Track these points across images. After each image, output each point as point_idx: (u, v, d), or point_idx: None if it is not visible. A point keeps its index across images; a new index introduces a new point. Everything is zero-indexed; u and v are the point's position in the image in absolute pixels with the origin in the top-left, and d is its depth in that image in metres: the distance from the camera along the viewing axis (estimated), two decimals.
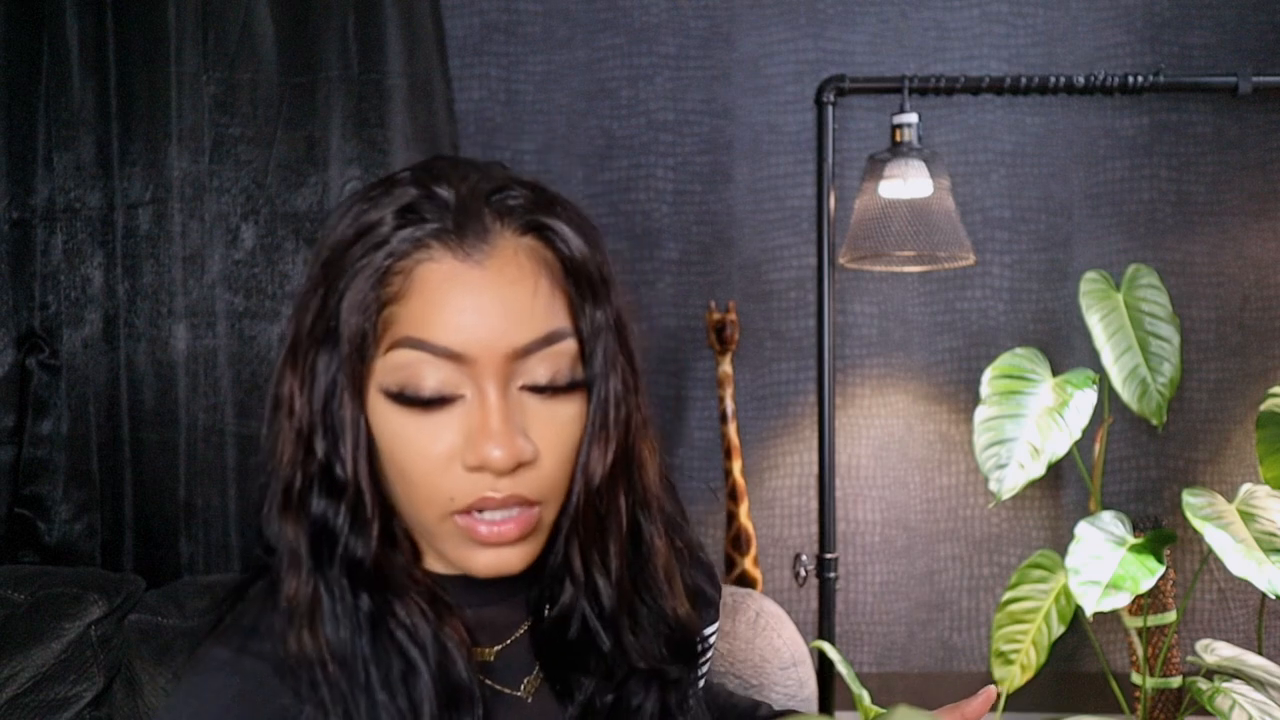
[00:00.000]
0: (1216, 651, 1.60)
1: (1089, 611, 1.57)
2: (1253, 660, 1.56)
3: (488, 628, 0.71)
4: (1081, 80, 1.80)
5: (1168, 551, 1.72)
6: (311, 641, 0.63)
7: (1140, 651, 1.79)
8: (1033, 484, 1.77)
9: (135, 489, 1.58)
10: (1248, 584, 1.52)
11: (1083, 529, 1.67)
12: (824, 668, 1.77)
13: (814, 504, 1.92)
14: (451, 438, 0.63)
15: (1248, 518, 1.57)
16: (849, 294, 1.97)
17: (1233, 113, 1.93)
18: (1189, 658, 1.64)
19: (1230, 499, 1.63)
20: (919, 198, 1.72)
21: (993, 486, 1.72)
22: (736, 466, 1.80)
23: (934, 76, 1.79)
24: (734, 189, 1.96)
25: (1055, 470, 1.87)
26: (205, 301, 1.59)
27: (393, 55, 1.64)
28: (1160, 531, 1.71)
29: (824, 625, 1.85)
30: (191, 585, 1.36)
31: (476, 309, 0.62)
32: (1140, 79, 1.79)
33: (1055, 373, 1.80)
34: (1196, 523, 1.55)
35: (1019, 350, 1.80)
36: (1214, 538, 1.52)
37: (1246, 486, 1.64)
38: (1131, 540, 1.68)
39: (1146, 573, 1.59)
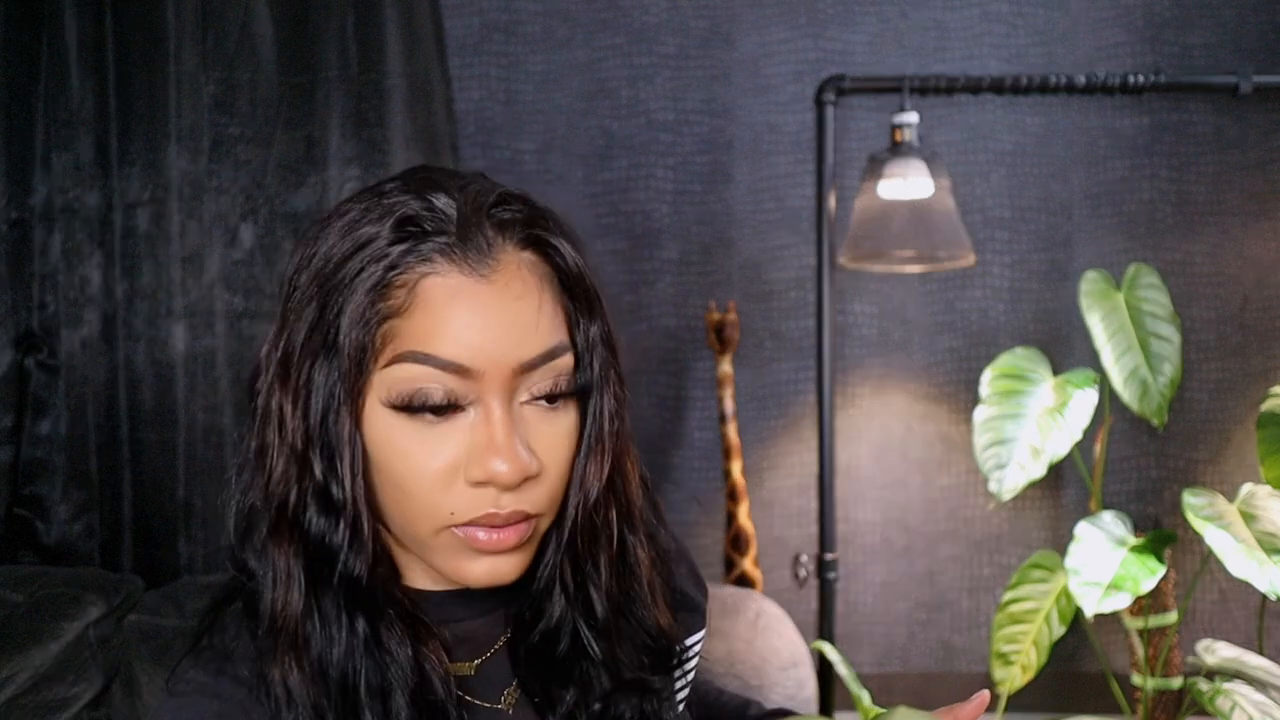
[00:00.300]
0: (1217, 652, 1.60)
1: (1089, 613, 1.57)
2: (1253, 661, 1.56)
3: (467, 642, 0.71)
4: (1082, 80, 1.79)
5: (1168, 552, 1.71)
6: (298, 663, 0.63)
7: (1141, 652, 1.79)
8: (1033, 484, 1.77)
9: (134, 489, 1.58)
10: (1248, 585, 1.52)
11: (1083, 529, 1.67)
12: (824, 668, 1.77)
13: (814, 504, 1.92)
14: (453, 451, 0.63)
15: (1248, 518, 1.57)
16: (849, 294, 1.97)
17: (1233, 112, 1.93)
18: (1189, 658, 1.64)
19: (1231, 499, 1.63)
20: (919, 198, 1.72)
21: (993, 487, 1.71)
22: (736, 467, 1.80)
23: (934, 76, 1.79)
24: (734, 189, 1.96)
25: (1055, 470, 1.87)
26: (204, 301, 1.59)
27: (392, 55, 1.64)
28: (1161, 532, 1.71)
29: (824, 626, 1.85)
30: (190, 585, 1.36)
31: (484, 324, 0.62)
32: (1140, 79, 1.79)
33: (1055, 373, 1.79)
34: (1197, 523, 1.55)
35: (1019, 350, 1.80)
36: (1215, 538, 1.52)
37: (1247, 487, 1.63)
38: (1132, 541, 1.68)
39: (1147, 573, 1.59)
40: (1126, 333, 1.75)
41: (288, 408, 0.64)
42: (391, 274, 0.62)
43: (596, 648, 0.69)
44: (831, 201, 1.83)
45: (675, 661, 0.75)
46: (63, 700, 1.16)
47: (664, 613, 0.73)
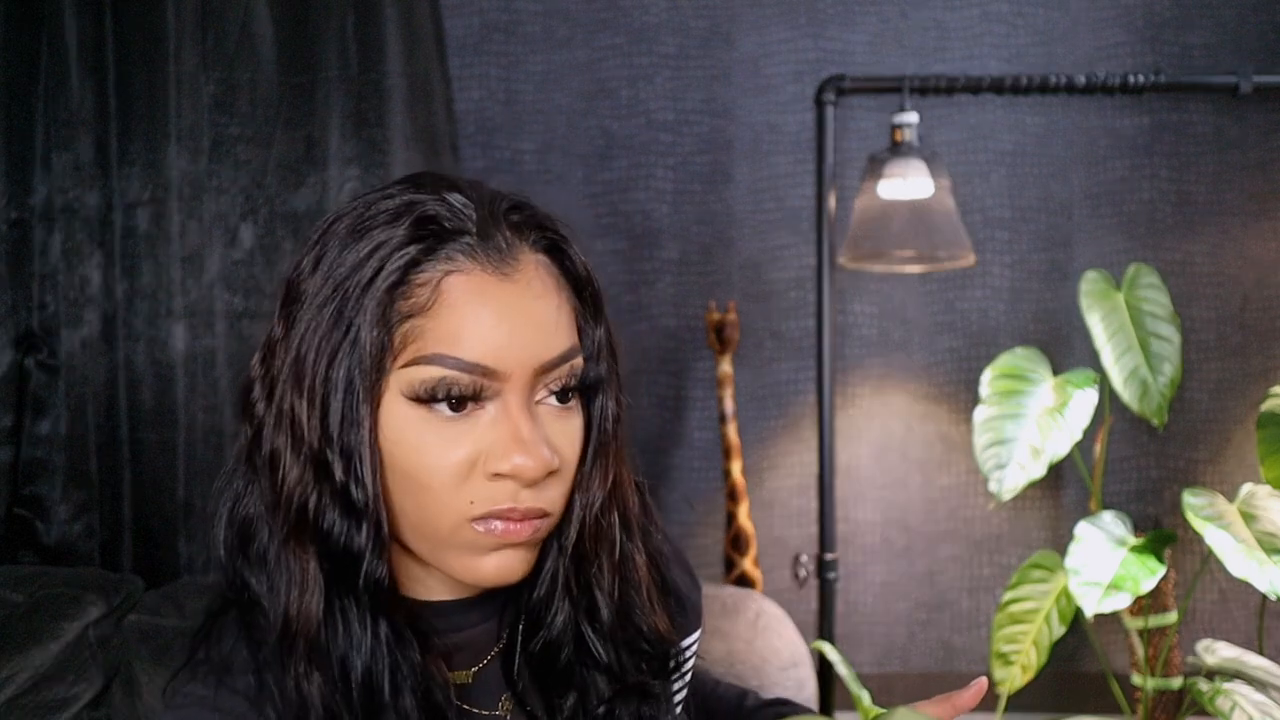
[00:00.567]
0: (1217, 652, 1.60)
1: (1089, 613, 1.57)
2: (1253, 661, 1.56)
3: (465, 650, 0.71)
4: (1082, 80, 1.79)
5: (1168, 552, 1.71)
6: (318, 668, 0.62)
7: (1141, 652, 1.79)
8: (1033, 484, 1.77)
9: (134, 489, 1.57)
10: (1248, 585, 1.52)
11: (1083, 529, 1.67)
12: (824, 668, 1.77)
13: (814, 504, 1.92)
14: (471, 444, 0.63)
15: (1249, 518, 1.57)
16: (849, 294, 1.96)
17: (1233, 112, 1.93)
18: (1189, 658, 1.64)
19: (1231, 499, 1.63)
20: (919, 198, 1.72)
21: (993, 487, 1.71)
22: (736, 467, 1.80)
23: (934, 76, 1.79)
24: (734, 189, 1.96)
25: (1055, 470, 1.87)
26: (204, 301, 1.59)
27: (392, 55, 1.64)
28: (1161, 532, 1.71)
29: (824, 626, 1.85)
30: (190, 585, 1.36)
31: (510, 324, 0.62)
32: (1140, 79, 1.79)
33: (1055, 373, 1.79)
34: (1197, 523, 1.55)
35: (1019, 350, 1.80)
36: (1215, 538, 1.52)
37: (1247, 487, 1.63)
38: (1132, 541, 1.68)
39: (1147, 573, 1.59)
40: (1126, 333, 1.75)
41: (302, 410, 0.63)
42: (413, 272, 0.62)
43: (601, 651, 0.69)
44: (831, 201, 1.83)
45: (673, 665, 0.75)
46: (63, 700, 1.16)
47: (661, 617, 0.73)
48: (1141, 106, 1.94)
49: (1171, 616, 1.81)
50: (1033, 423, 1.73)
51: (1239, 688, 1.49)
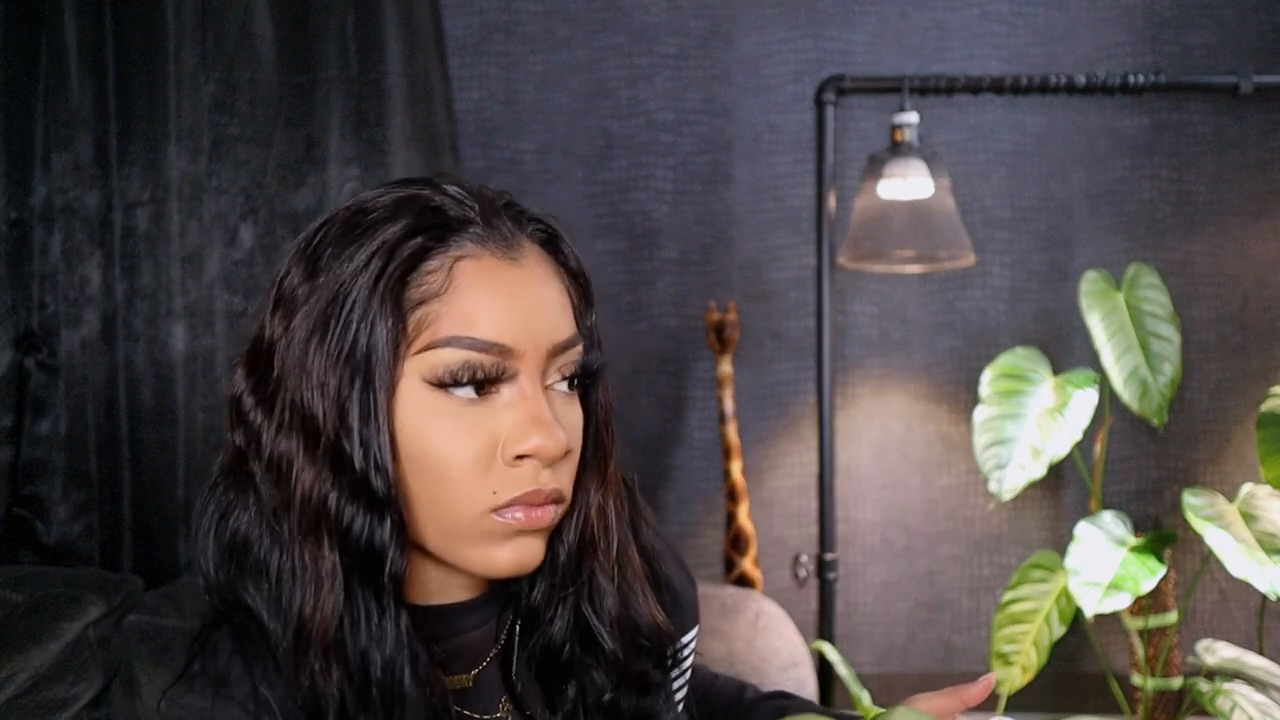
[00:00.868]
0: (1217, 652, 1.60)
1: (1089, 613, 1.57)
2: (1253, 661, 1.56)
3: (465, 653, 0.71)
4: (1082, 80, 1.79)
5: (1168, 552, 1.71)
6: (338, 662, 0.62)
7: (1141, 652, 1.79)
8: (1033, 484, 1.77)
9: (134, 489, 1.57)
10: (1248, 585, 1.52)
11: (1083, 529, 1.67)
12: (824, 668, 1.77)
13: (814, 504, 1.92)
14: (490, 431, 0.63)
15: (1249, 518, 1.57)
16: (849, 294, 1.96)
17: (1233, 112, 1.93)
18: (1189, 658, 1.64)
19: (1231, 499, 1.63)
20: (919, 198, 1.72)
21: (993, 487, 1.71)
22: (736, 467, 1.79)
23: (934, 76, 1.79)
24: (734, 189, 1.96)
25: (1055, 470, 1.87)
26: (204, 301, 1.59)
27: (392, 55, 1.64)
28: (1161, 532, 1.71)
29: (824, 626, 1.85)
30: (190, 586, 1.36)
31: (522, 305, 0.64)
32: (1140, 79, 1.79)
33: (1055, 373, 1.79)
34: (1197, 523, 1.55)
35: (1019, 350, 1.80)
36: (1215, 538, 1.52)
37: (1247, 487, 1.63)
38: (1132, 541, 1.68)
39: (1147, 573, 1.59)
40: (1126, 333, 1.75)
41: (316, 406, 0.63)
42: (423, 260, 0.63)
43: (606, 638, 0.70)
44: (831, 201, 1.83)
45: (670, 657, 0.75)
46: (63, 700, 1.16)
47: (657, 609, 0.74)
48: (1141, 106, 1.94)
49: (1171, 616, 1.80)
50: (1033, 423, 1.73)
51: (1239, 688, 1.49)
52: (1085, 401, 1.72)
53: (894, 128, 1.75)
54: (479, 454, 0.63)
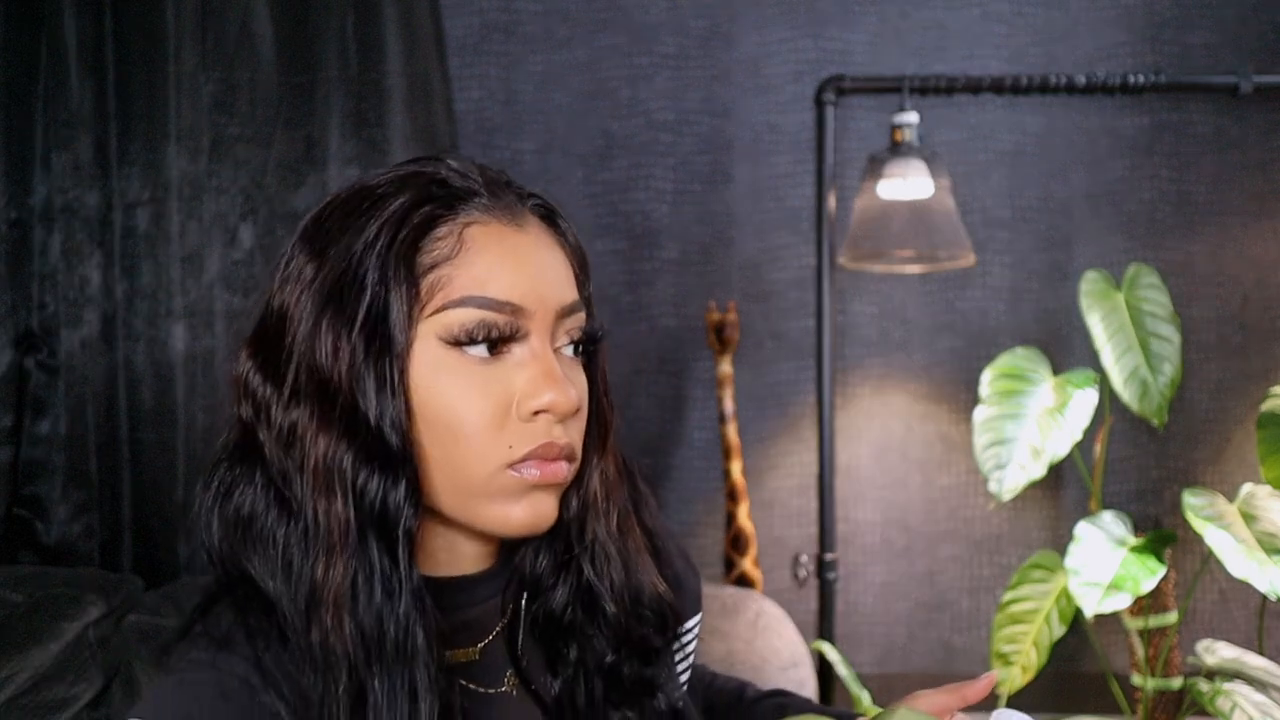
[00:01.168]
0: (1217, 652, 1.60)
1: (1089, 613, 1.57)
2: (1254, 661, 1.56)
3: (471, 627, 0.71)
4: (1082, 80, 1.79)
5: (1168, 552, 1.71)
6: (351, 616, 0.62)
7: (1141, 652, 1.79)
8: (1033, 484, 1.77)
9: (134, 489, 1.57)
10: (1248, 585, 1.52)
11: (1083, 529, 1.67)
12: (824, 668, 1.77)
13: (814, 504, 1.92)
14: (503, 389, 0.65)
15: (1249, 518, 1.57)
16: (849, 294, 1.96)
17: (1233, 112, 1.93)
18: (1189, 659, 1.64)
19: (1231, 499, 1.63)
20: (919, 198, 1.72)
21: (993, 487, 1.71)
22: (736, 467, 1.79)
23: (934, 76, 1.79)
24: (734, 189, 1.96)
25: (1055, 470, 1.87)
26: (204, 301, 1.59)
27: (392, 55, 1.64)
28: (1161, 532, 1.71)
29: (824, 626, 1.85)
30: (190, 585, 1.36)
31: (531, 267, 0.66)
32: (1140, 79, 1.79)
33: (1055, 373, 1.79)
34: (1197, 523, 1.55)
35: (1019, 350, 1.80)
36: (1215, 538, 1.52)
37: (1247, 487, 1.63)
38: (1132, 541, 1.68)
39: (1147, 573, 1.59)
40: (1126, 333, 1.75)
41: (331, 370, 0.64)
42: (434, 226, 0.65)
43: (610, 603, 0.71)
44: (831, 201, 1.83)
45: (671, 627, 0.76)
46: (63, 700, 1.16)
47: (659, 579, 0.76)
48: (1141, 106, 1.94)
49: (1171, 617, 1.81)
50: (1033, 423, 1.73)
51: (1239, 688, 1.49)
52: (1085, 401, 1.72)
53: (894, 128, 1.75)
54: (494, 411, 0.65)
